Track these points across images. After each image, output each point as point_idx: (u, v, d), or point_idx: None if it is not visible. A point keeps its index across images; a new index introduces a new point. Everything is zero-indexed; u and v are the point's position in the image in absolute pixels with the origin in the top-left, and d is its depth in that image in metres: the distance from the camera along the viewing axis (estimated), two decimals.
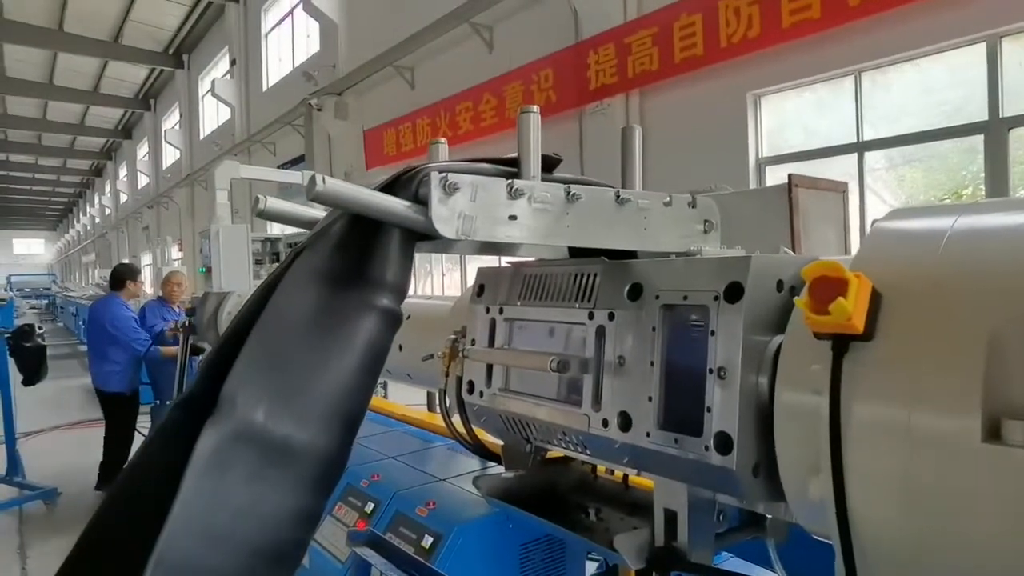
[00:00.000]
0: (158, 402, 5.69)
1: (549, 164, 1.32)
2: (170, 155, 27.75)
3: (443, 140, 1.41)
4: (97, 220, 45.64)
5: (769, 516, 1.41)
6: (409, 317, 2.19)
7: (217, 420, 0.92)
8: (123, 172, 38.29)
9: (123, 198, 38.19)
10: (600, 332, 1.39)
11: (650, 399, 1.27)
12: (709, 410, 1.17)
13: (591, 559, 2.11)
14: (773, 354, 1.16)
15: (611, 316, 1.37)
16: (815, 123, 6.40)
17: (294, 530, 1.00)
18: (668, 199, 1.46)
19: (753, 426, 1.15)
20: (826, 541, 1.08)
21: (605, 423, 1.35)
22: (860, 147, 5.88)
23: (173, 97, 26.78)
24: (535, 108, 1.27)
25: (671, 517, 1.33)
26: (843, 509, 0.98)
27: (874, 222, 1.13)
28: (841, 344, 0.97)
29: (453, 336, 1.91)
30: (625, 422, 1.31)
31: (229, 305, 4.25)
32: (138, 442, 5.79)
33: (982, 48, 5.10)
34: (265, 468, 0.97)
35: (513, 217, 1.21)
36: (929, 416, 0.89)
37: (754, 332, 1.17)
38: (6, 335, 5.05)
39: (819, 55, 5.86)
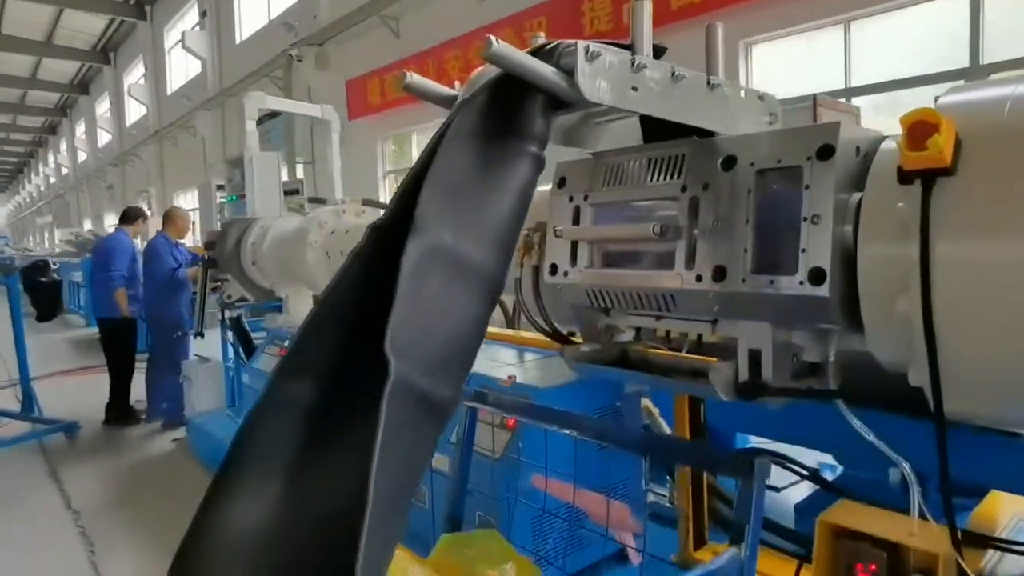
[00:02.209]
0: (152, 352, 5.79)
1: (657, 51, 1.51)
2: (134, 111, 26.83)
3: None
4: (53, 180, 44.00)
5: (832, 359, 1.66)
6: None
7: (416, 237, 1.11)
8: (80, 130, 36.86)
9: (82, 157, 36.84)
10: (694, 202, 1.60)
11: (745, 251, 1.49)
12: (803, 251, 1.40)
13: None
14: (855, 206, 1.39)
15: (705, 187, 1.58)
16: (804, 71, 6.64)
17: (474, 333, 1.21)
18: (743, 91, 1.68)
19: (840, 266, 1.38)
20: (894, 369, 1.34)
21: (699, 278, 1.57)
22: (847, 93, 6.15)
23: (136, 50, 25.77)
24: None
25: (755, 356, 1.57)
26: (929, 318, 1.21)
27: (937, 98, 1.35)
28: (930, 178, 1.20)
29: (526, 231, 2.10)
30: (720, 274, 1.53)
31: (253, 235, 4.34)
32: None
33: None
34: (454, 279, 1.16)
35: (635, 88, 1.41)
36: (1006, 238, 1.13)
37: (838, 189, 1.39)
38: (20, 269, 5.08)
39: (809, 3, 6.09)
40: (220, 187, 8.75)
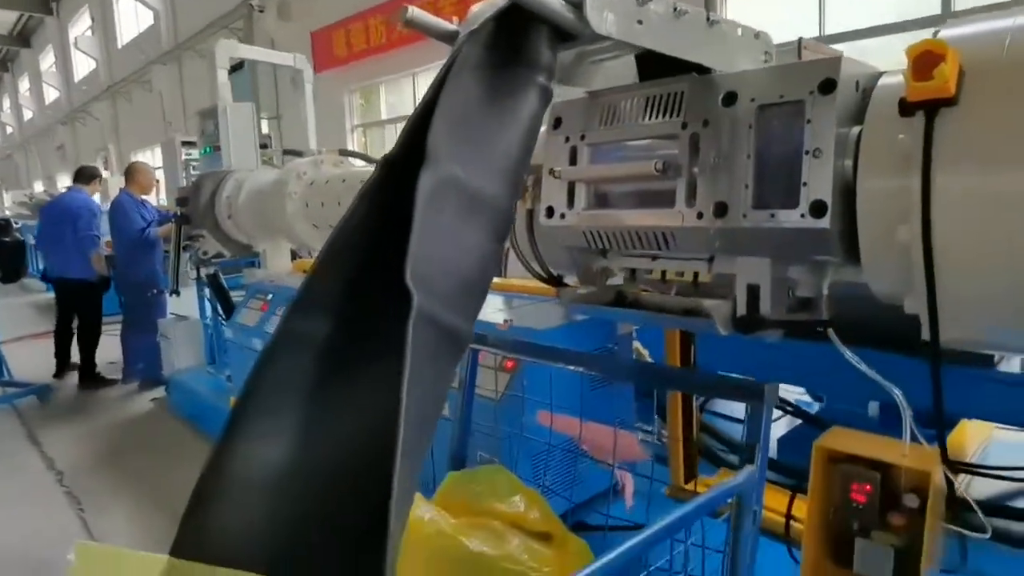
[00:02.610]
0: (126, 313, 5.68)
1: None
2: (83, 65, 25.54)
3: None
4: None
5: (825, 293, 1.70)
6: None
7: (429, 169, 1.09)
8: (24, 86, 35.05)
9: (28, 115, 35.13)
10: (694, 139, 1.60)
11: (746, 186, 1.51)
12: (805, 184, 1.42)
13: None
14: (855, 140, 1.41)
15: (705, 123, 1.58)
16: (780, 18, 6.62)
17: (486, 267, 1.21)
18: (740, 29, 1.67)
19: (839, 198, 1.41)
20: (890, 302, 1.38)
21: (700, 215, 1.59)
22: (823, 40, 6.17)
23: None
24: None
25: (753, 291, 1.61)
26: (929, 246, 1.25)
27: (936, 31, 1.36)
28: (933, 109, 1.22)
29: None
30: (721, 210, 1.55)
31: (228, 188, 4.23)
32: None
33: None
34: (466, 212, 1.16)
35: (640, 22, 1.40)
36: (1006, 168, 1.16)
37: (839, 123, 1.41)
38: None
39: None
40: (186, 143, 8.47)
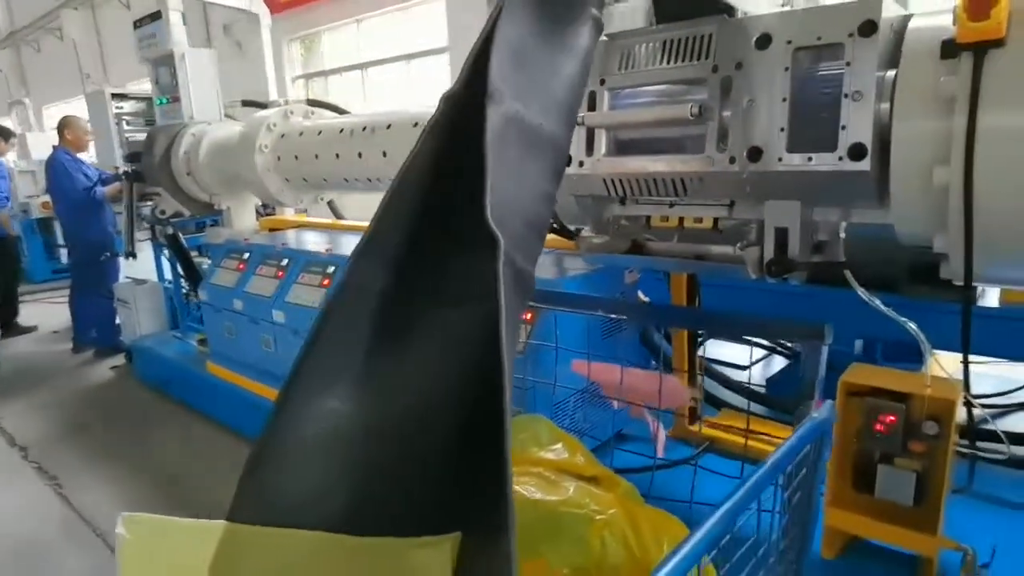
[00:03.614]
0: (75, 278, 5.39)
1: None
2: None
3: None
4: None
5: (842, 236, 1.75)
6: None
7: (493, 103, 1.05)
8: None
9: None
10: (726, 82, 1.60)
11: (782, 130, 1.52)
12: (844, 128, 1.44)
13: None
14: (891, 83, 1.43)
15: (738, 66, 1.57)
16: None
17: (547, 209, 1.20)
18: None
19: (877, 142, 1.43)
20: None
21: (732, 160, 1.60)
22: None
23: None
24: None
25: (781, 234, 1.64)
26: (969, 186, 1.29)
27: None
28: (982, 50, 1.25)
29: None
30: (755, 154, 1.56)
31: (185, 143, 3.98)
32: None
33: None
34: (528, 149, 1.13)
35: None
36: None
37: (878, 66, 1.43)
38: None
39: None
40: (117, 96, 7.92)
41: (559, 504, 1.34)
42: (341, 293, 1.12)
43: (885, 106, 1.43)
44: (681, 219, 2.01)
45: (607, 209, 2.02)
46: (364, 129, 2.86)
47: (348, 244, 3.45)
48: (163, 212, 4.30)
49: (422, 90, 9.24)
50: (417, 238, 1.12)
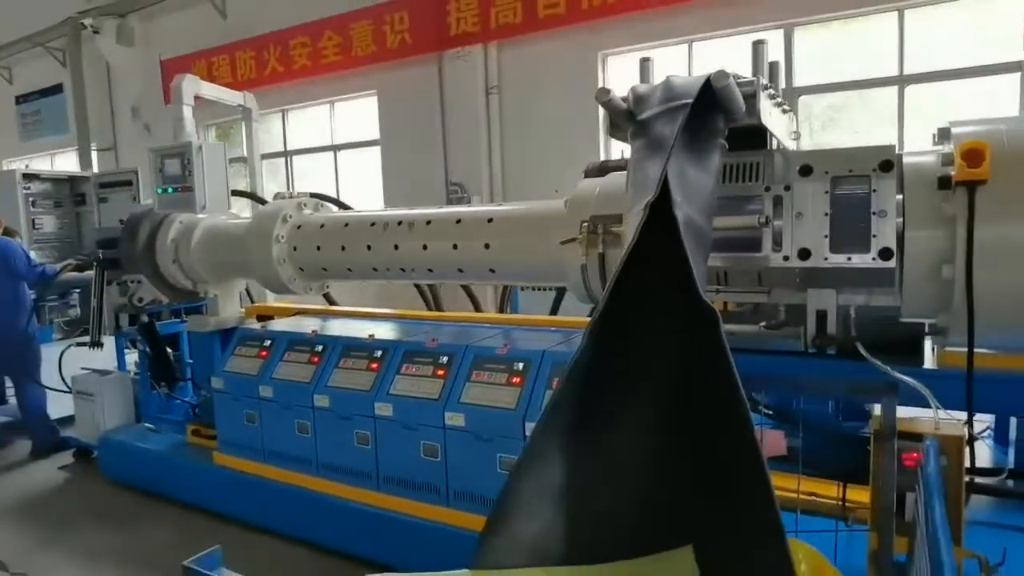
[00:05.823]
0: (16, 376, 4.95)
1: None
2: None
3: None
4: None
5: (853, 316, 2.25)
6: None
7: (678, 209, 1.45)
8: None
9: None
10: (778, 199, 2.09)
11: (825, 236, 2.02)
12: (874, 236, 1.95)
13: None
14: (901, 203, 1.98)
15: (787, 187, 2.07)
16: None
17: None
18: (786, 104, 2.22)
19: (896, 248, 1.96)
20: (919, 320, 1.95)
21: (786, 258, 2.07)
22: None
23: None
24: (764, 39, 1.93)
25: (822, 315, 2.11)
26: (970, 278, 1.82)
27: (950, 130, 1.96)
28: (973, 187, 1.81)
29: (586, 224, 2.45)
30: (804, 254, 2.04)
31: (173, 232, 3.99)
32: None
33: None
34: (696, 246, 1.51)
35: (770, 112, 1.87)
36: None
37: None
38: None
39: (660, 23, 6.98)
40: (28, 176, 7.58)
41: None
42: (567, 377, 1.44)
43: (900, 220, 1.97)
44: (726, 304, 2.47)
45: None
46: (400, 224, 3.14)
47: (358, 328, 3.59)
48: (140, 299, 4.22)
49: (350, 179, 9.51)
50: (639, 318, 1.47)
